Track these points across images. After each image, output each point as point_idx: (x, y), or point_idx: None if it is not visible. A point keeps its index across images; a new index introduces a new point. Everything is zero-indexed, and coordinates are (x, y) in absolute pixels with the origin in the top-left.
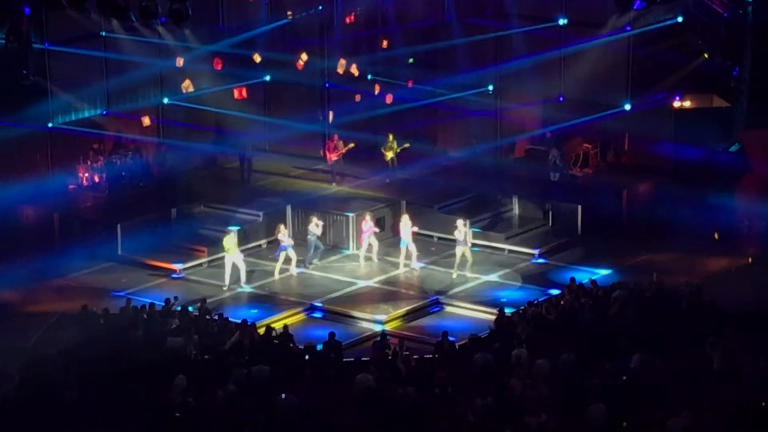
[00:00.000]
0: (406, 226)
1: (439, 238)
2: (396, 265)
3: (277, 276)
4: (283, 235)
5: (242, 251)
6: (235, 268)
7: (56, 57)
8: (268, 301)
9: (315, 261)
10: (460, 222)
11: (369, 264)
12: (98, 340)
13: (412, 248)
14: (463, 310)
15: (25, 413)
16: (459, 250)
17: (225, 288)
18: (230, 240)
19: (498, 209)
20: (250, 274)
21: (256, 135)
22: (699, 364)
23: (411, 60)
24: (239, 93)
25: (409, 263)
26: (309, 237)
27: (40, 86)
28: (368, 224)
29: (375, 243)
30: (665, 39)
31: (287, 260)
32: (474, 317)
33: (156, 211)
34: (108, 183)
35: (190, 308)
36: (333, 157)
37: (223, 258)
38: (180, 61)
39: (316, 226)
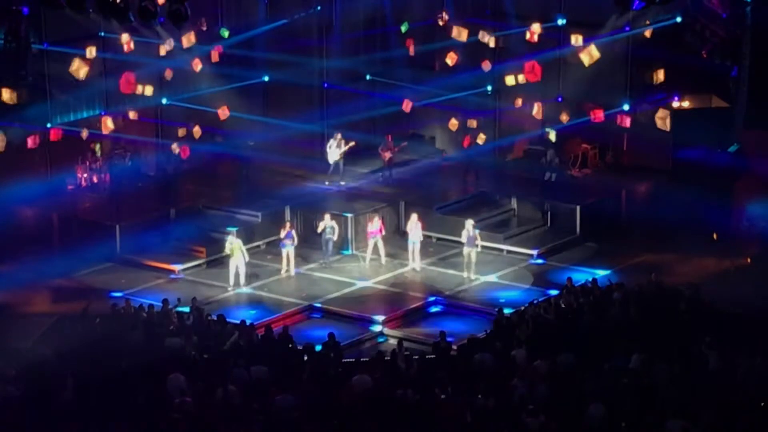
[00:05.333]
0: (416, 225)
1: (438, 239)
2: (403, 265)
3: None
4: (284, 233)
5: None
6: (237, 270)
7: (55, 57)
8: (267, 302)
9: (331, 259)
10: (468, 223)
11: (375, 265)
12: (97, 340)
13: (417, 248)
14: (462, 310)
15: (24, 414)
16: (465, 251)
17: (230, 289)
18: (231, 244)
19: (497, 209)
20: (249, 276)
21: (254, 135)
22: (697, 365)
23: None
24: None
25: (414, 263)
26: (326, 236)
27: (38, 86)
28: (375, 226)
29: (381, 245)
30: (664, 39)
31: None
32: (473, 318)
33: (155, 212)
34: (107, 183)
35: (180, 309)
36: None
37: (223, 258)
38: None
39: (332, 229)
